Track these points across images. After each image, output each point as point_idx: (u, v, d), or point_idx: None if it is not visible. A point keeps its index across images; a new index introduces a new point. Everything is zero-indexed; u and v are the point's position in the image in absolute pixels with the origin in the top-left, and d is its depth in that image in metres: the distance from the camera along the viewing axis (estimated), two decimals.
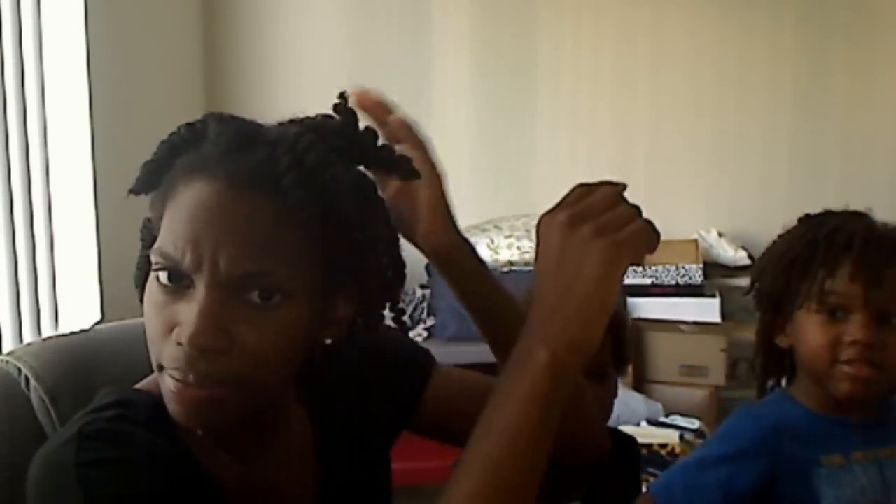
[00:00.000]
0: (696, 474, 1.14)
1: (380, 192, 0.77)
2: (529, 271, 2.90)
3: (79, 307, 2.11)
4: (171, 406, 0.67)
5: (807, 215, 1.18)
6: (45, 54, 2.03)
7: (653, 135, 3.36)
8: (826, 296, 1.08)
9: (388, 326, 0.80)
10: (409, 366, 0.92)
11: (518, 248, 2.95)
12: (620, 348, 1.30)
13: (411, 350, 0.95)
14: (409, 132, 0.83)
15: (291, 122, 0.75)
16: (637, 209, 0.73)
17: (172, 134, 0.72)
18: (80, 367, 0.75)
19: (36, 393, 0.88)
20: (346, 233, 0.68)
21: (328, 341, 0.74)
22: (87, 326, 1.11)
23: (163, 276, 0.67)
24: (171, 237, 0.67)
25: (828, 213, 1.16)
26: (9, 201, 1.87)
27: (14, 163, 1.90)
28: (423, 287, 2.95)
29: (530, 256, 2.94)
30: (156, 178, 0.71)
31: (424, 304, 2.91)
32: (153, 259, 0.67)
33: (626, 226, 0.70)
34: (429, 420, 0.91)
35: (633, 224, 0.71)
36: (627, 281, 2.99)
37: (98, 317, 2.11)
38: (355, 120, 0.77)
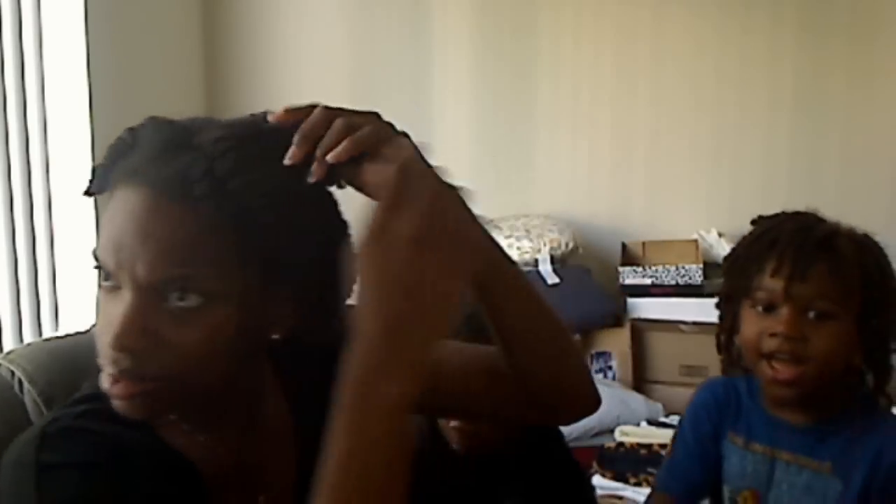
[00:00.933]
0: (674, 452, 1.32)
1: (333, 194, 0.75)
2: (529, 271, 2.91)
3: (79, 308, 2.11)
4: (111, 400, 0.70)
5: (759, 217, 1.24)
6: (45, 55, 2.03)
7: (653, 134, 3.36)
8: (755, 291, 1.14)
9: None
10: None
11: (518, 248, 2.95)
12: None
13: None
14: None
15: (226, 124, 0.74)
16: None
17: (117, 138, 0.74)
18: (74, 369, 0.76)
19: (30, 395, 0.89)
20: (265, 238, 0.69)
21: (275, 336, 0.75)
22: (85, 327, 1.12)
23: (102, 276, 0.71)
24: (101, 242, 0.70)
25: (776, 215, 1.22)
26: (9, 201, 1.88)
27: (14, 164, 1.90)
28: None
29: (530, 256, 2.94)
30: (103, 181, 0.73)
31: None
32: (94, 260, 0.71)
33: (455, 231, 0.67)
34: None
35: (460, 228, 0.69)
36: (628, 281, 3.01)
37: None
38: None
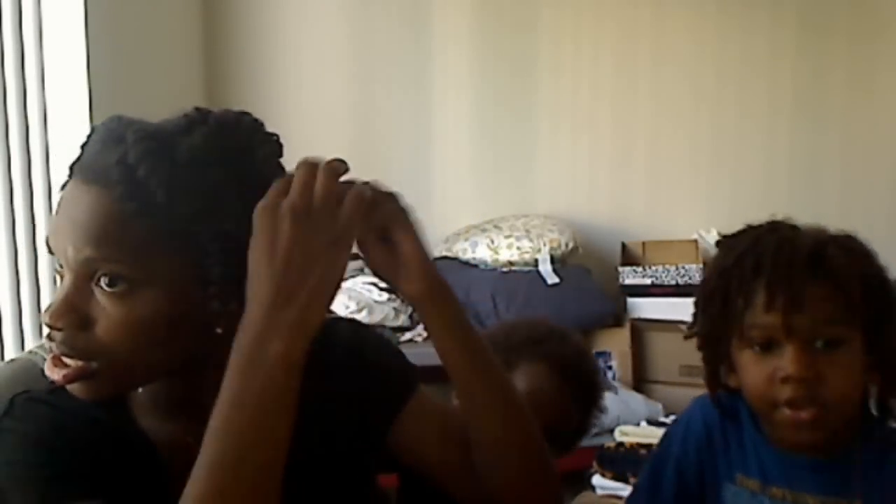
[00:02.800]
0: (653, 462, 1.13)
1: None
2: (529, 271, 2.91)
3: None
4: (47, 375, 0.75)
5: (723, 237, 1.06)
6: (45, 45, 2.03)
7: (653, 134, 3.36)
8: (748, 330, 0.96)
9: (381, 335, 0.84)
10: (394, 378, 0.92)
11: (518, 248, 2.95)
12: (584, 418, 1.23)
13: (399, 363, 0.95)
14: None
15: (158, 121, 0.79)
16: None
17: (87, 135, 0.79)
18: None
19: None
20: (181, 228, 0.73)
21: (219, 330, 0.76)
22: None
23: (56, 263, 0.76)
24: (48, 230, 0.77)
25: (741, 233, 1.03)
26: (8, 191, 1.88)
27: (14, 154, 1.90)
28: None
29: (530, 257, 2.94)
30: (68, 175, 0.78)
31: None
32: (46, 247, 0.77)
33: (342, 213, 0.72)
34: (398, 442, 0.91)
35: (347, 207, 0.72)
36: (628, 281, 3.01)
37: None
38: (234, 123, 0.79)
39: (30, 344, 1.94)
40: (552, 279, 2.88)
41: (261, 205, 0.70)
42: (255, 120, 0.80)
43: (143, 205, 0.72)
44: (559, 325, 1.33)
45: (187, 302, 0.74)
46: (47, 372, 0.75)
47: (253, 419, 0.68)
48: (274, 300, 0.69)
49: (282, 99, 3.13)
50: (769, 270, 0.94)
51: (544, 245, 2.96)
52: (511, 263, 2.95)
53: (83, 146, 0.78)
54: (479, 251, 2.96)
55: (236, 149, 0.77)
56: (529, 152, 3.34)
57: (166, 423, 0.81)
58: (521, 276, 2.89)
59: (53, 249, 0.75)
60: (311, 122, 2.98)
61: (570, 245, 3.00)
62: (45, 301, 2.03)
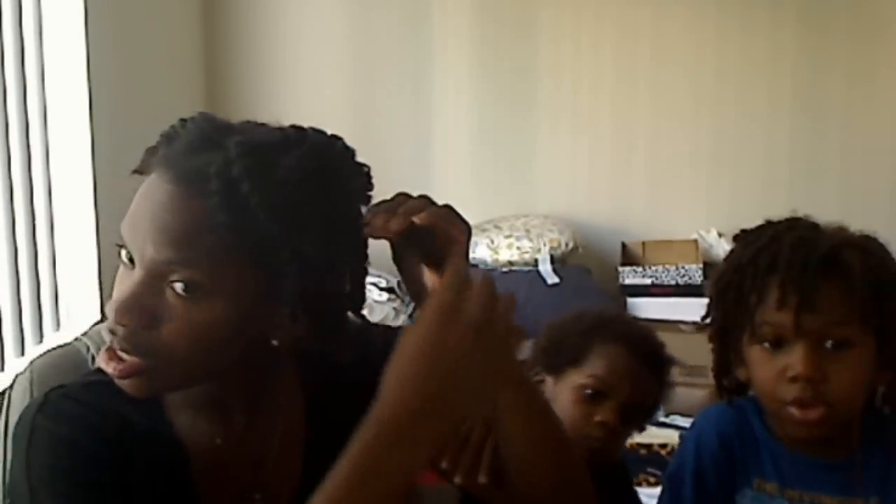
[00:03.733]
0: (670, 482, 1.13)
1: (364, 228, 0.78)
2: (529, 271, 2.91)
3: (78, 294, 2.12)
4: (101, 365, 0.75)
5: (742, 231, 1.06)
6: (45, 43, 2.03)
7: (653, 134, 3.36)
8: (760, 326, 0.97)
9: None
10: None
11: (518, 247, 2.95)
12: (654, 410, 1.27)
13: None
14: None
15: (257, 131, 0.76)
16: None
17: (170, 126, 0.78)
18: None
19: None
20: (267, 245, 0.72)
21: (275, 343, 0.77)
22: (86, 327, 1.14)
23: (124, 254, 0.75)
24: (126, 219, 0.75)
25: (760, 228, 1.04)
26: (9, 189, 1.88)
27: (14, 152, 1.90)
28: None
29: (530, 256, 2.94)
30: (146, 163, 0.77)
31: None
32: (119, 238, 0.75)
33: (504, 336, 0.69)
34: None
35: (509, 335, 0.70)
36: (628, 281, 3.00)
37: (98, 317, 2.11)
38: (329, 147, 0.78)
39: (30, 345, 1.94)
40: (552, 279, 2.88)
41: (442, 303, 0.66)
42: (348, 147, 0.79)
43: (238, 218, 0.70)
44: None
45: (254, 314, 0.75)
46: (100, 363, 0.75)
47: None
48: (422, 408, 0.64)
49: (282, 99, 3.13)
50: (783, 268, 0.95)
51: (544, 245, 2.96)
52: (511, 263, 2.95)
53: (168, 139, 0.76)
54: (479, 251, 2.96)
55: (330, 174, 0.76)
56: (529, 152, 3.34)
57: (197, 422, 0.81)
58: (521, 276, 2.89)
59: (127, 242, 0.74)
60: (311, 122, 2.97)
61: (570, 245, 3.00)
62: (45, 302, 2.03)
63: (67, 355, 1.00)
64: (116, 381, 0.74)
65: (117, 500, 0.74)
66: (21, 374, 0.97)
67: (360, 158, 0.79)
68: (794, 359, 0.94)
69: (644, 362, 1.22)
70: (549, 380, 1.24)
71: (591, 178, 3.36)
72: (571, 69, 3.31)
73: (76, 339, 1.01)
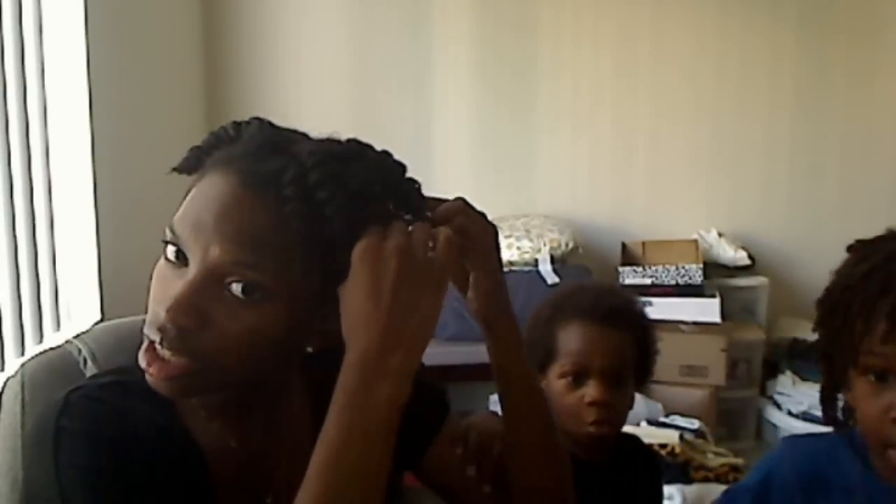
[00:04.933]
0: (727, 500, 1.06)
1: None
2: (529, 271, 2.91)
3: (79, 293, 2.12)
4: (142, 365, 0.73)
5: (857, 242, 0.93)
6: (45, 41, 2.03)
7: (653, 134, 3.36)
8: (866, 356, 0.86)
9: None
10: (433, 401, 0.95)
11: (518, 247, 2.95)
12: (645, 357, 1.27)
13: (434, 385, 0.97)
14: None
15: (320, 141, 0.78)
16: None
17: (220, 128, 0.79)
18: (133, 349, 0.79)
19: (91, 372, 0.94)
20: (332, 252, 0.72)
21: (309, 349, 0.78)
22: (86, 327, 1.13)
23: (170, 251, 0.73)
24: (182, 216, 0.73)
25: (880, 240, 0.92)
26: (9, 186, 1.88)
27: (14, 150, 1.90)
28: None
29: (530, 256, 2.94)
30: (195, 163, 0.77)
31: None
32: (167, 232, 0.74)
33: (437, 259, 0.74)
34: (428, 463, 0.94)
35: (441, 252, 0.74)
36: (628, 281, 3.00)
37: (98, 317, 2.11)
38: (386, 161, 0.80)
39: (30, 344, 1.94)
40: (552, 279, 2.88)
41: (362, 246, 0.71)
42: (399, 163, 0.80)
43: (310, 226, 0.71)
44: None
45: (303, 320, 0.74)
46: (141, 362, 0.73)
47: (359, 459, 0.69)
48: (382, 344, 0.69)
49: (282, 98, 3.13)
50: (895, 295, 0.84)
51: (544, 245, 2.96)
52: (511, 263, 2.95)
53: (226, 140, 0.77)
54: None
55: (391, 186, 0.77)
56: (529, 152, 3.34)
57: (211, 424, 0.81)
58: (521, 276, 2.89)
59: (185, 240, 0.72)
60: (311, 122, 2.94)
61: (570, 245, 3.00)
62: (45, 301, 2.02)
63: (59, 358, 0.97)
64: (154, 381, 0.73)
65: (152, 499, 0.73)
66: (12, 377, 0.94)
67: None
68: None
69: (607, 324, 1.21)
70: (541, 381, 1.23)
71: (591, 178, 3.37)
72: (571, 69, 3.31)
73: (67, 342, 0.99)
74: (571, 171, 3.36)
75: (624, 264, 3.09)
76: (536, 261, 2.94)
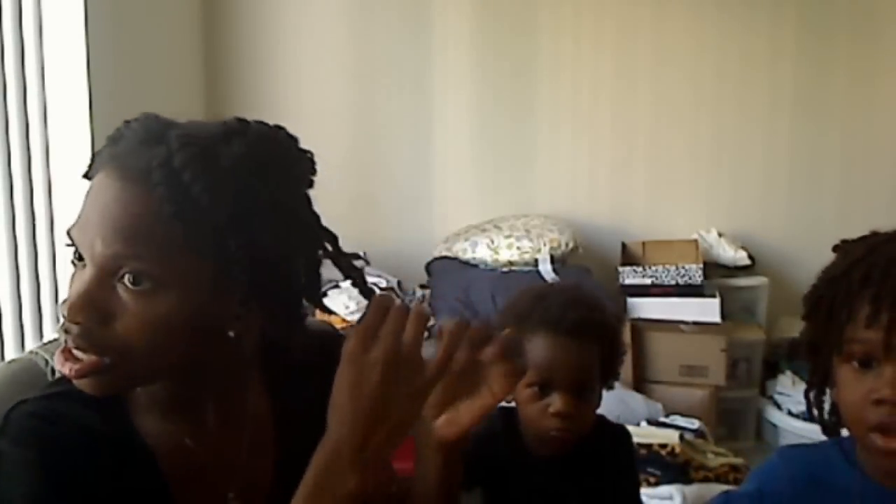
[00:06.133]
0: None
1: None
2: (529, 271, 2.91)
3: None
4: (57, 367, 0.75)
5: (842, 241, 0.98)
6: (45, 41, 2.03)
7: (653, 134, 3.36)
8: (849, 344, 0.90)
9: None
10: None
11: (518, 248, 2.95)
12: (611, 362, 1.26)
13: None
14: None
15: (198, 124, 0.78)
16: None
17: (115, 128, 0.80)
18: None
19: None
20: (215, 233, 0.73)
21: (231, 334, 0.78)
22: None
23: (72, 253, 0.76)
24: (76, 220, 0.76)
25: (863, 238, 0.96)
26: (9, 187, 1.88)
27: (14, 150, 1.90)
28: (422, 287, 2.94)
29: (530, 256, 2.94)
30: (92, 166, 0.79)
31: (424, 305, 2.91)
32: (67, 237, 0.76)
33: (428, 367, 0.74)
34: None
35: (435, 364, 0.74)
36: (628, 281, 3.00)
37: None
38: (273, 134, 0.79)
39: (30, 343, 1.94)
40: (552, 279, 2.88)
41: (350, 349, 0.72)
42: (291, 136, 0.80)
43: (183, 208, 0.72)
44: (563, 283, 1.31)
45: (207, 305, 0.76)
46: (57, 365, 0.75)
47: None
48: (354, 441, 0.72)
49: (282, 98, 3.13)
50: (877, 282, 0.88)
51: (544, 245, 2.96)
52: (511, 263, 2.95)
53: (114, 140, 0.78)
54: (479, 251, 2.96)
55: (274, 162, 0.77)
56: (529, 152, 3.34)
57: (164, 424, 0.82)
58: (521, 276, 2.89)
59: (76, 240, 0.75)
60: (311, 122, 2.95)
61: (570, 245, 3.00)
62: (45, 300, 2.03)
63: (24, 369, 0.97)
64: (74, 381, 0.74)
65: None
66: None
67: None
68: (882, 381, 0.87)
69: (574, 336, 1.19)
70: None
71: (591, 178, 3.36)
72: (571, 69, 3.31)
73: (32, 353, 0.99)
74: (571, 171, 3.36)
75: (624, 264, 3.09)
76: (536, 261, 2.93)
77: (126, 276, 0.73)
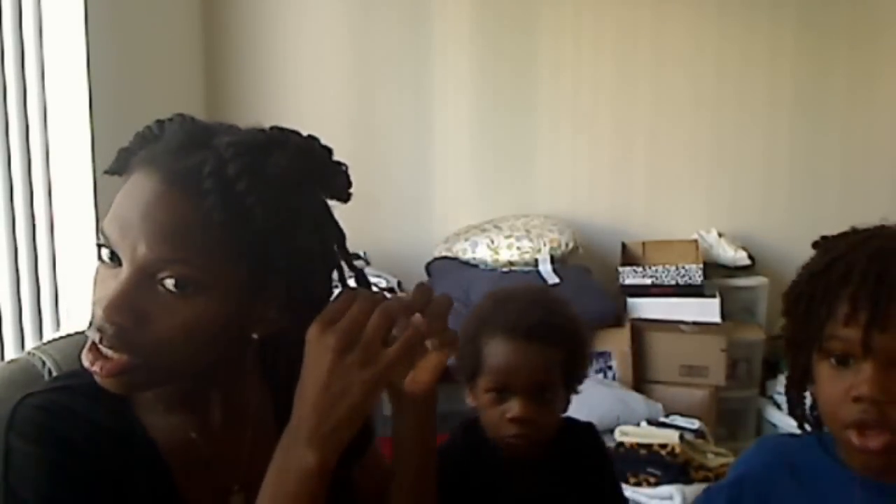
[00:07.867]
0: (704, 499, 1.07)
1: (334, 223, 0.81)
2: (529, 271, 2.91)
3: (79, 294, 2.12)
4: (86, 364, 0.75)
5: (822, 238, 0.99)
6: (45, 43, 2.03)
7: (653, 134, 3.36)
8: (827, 341, 0.90)
9: None
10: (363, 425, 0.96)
11: (518, 248, 2.95)
12: (574, 365, 1.23)
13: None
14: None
15: (242, 132, 0.79)
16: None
17: (146, 127, 0.80)
18: None
19: None
20: (260, 241, 0.74)
21: (255, 336, 0.80)
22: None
23: (104, 253, 0.76)
24: (110, 218, 0.75)
25: (843, 235, 0.97)
26: (9, 189, 1.88)
27: (14, 152, 1.90)
28: None
29: (530, 257, 2.94)
30: (123, 164, 0.79)
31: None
32: (98, 236, 0.76)
33: (384, 355, 0.74)
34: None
35: (392, 352, 0.75)
36: (628, 281, 3.01)
37: None
38: (310, 146, 0.80)
39: (30, 343, 1.94)
40: (552, 279, 2.88)
41: (311, 331, 0.74)
42: (325, 147, 0.81)
43: (234, 217, 0.73)
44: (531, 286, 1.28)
45: (244, 310, 0.77)
46: (85, 362, 0.75)
47: None
48: (310, 420, 0.73)
49: (282, 98, 3.13)
50: (857, 280, 0.88)
51: (544, 245, 2.96)
52: (511, 263, 2.95)
53: (146, 139, 0.78)
54: (479, 251, 2.96)
55: (315, 172, 0.79)
56: (529, 152, 3.34)
57: (169, 417, 0.82)
58: (522, 277, 2.89)
59: (113, 241, 0.74)
60: (311, 123, 2.93)
61: (570, 245, 3.00)
62: (45, 301, 2.03)
63: (22, 369, 0.97)
64: (100, 379, 0.75)
65: None
66: None
67: (351, 159, 0.81)
68: (860, 378, 0.87)
69: (532, 339, 1.17)
70: (469, 391, 1.22)
71: (591, 178, 3.36)
72: (571, 68, 3.31)
73: (29, 354, 0.99)
74: (571, 171, 3.36)
75: (624, 264, 3.09)
76: (536, 261, 2.94)
77: (167, 280, 0.73)
